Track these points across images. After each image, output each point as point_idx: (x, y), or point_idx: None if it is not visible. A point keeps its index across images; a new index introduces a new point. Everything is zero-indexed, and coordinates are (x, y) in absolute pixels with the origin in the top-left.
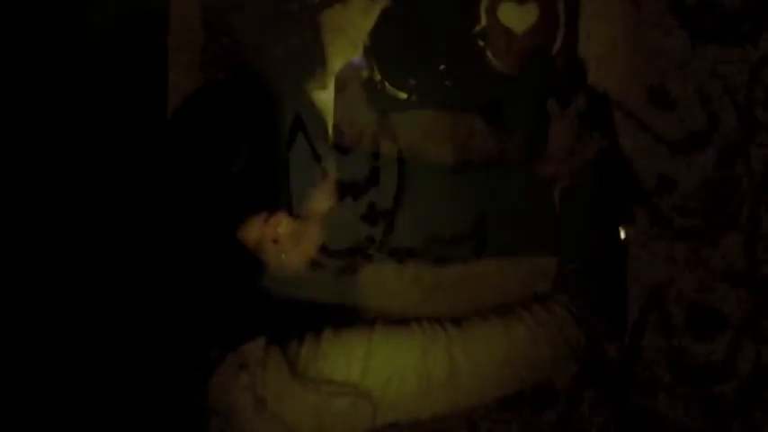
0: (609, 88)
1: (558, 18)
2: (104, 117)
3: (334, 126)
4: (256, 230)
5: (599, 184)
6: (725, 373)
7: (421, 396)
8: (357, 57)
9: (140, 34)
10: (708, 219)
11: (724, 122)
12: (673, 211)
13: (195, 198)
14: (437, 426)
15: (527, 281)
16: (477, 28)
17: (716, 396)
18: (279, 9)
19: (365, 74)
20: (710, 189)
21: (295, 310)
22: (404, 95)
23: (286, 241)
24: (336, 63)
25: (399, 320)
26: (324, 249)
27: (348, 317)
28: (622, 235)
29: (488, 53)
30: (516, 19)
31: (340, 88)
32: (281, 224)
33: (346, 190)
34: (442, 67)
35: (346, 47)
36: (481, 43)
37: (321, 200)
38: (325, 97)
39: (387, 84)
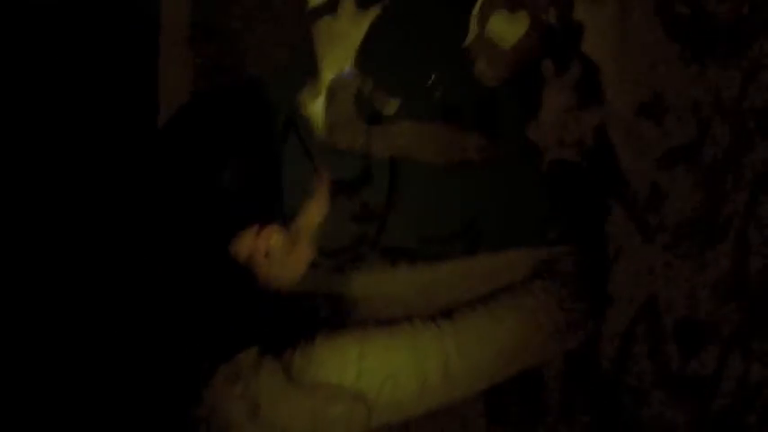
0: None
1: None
2: (94, 123)
3: (326, 136)
4: (248, 243)
5: (588, 162)
6: (714, 386)
7: (416, 395)
8: (348, 68)
9: (131, 39)
10: (697, 232)
11: (714, 135)
12: (662, 223)
13: (187, 209)
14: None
15: (520, 275)
16: (468, 39)
17: (706, 408)
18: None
19: (356, 84)
20: (700, 202)
21: (287, 314)
22: (394, 106)
23: (277, 254)
24: (328, 74)
25: (391, 320)
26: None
27: (341, 319)
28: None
29: (478, 64)
30: (507, 30)
31: (331, 99)
32: (273, 237)
33: (339, 189)
34: (432, 77)
35: (337, 58)
36: (471, 54)
37: (316, 213)
38: (316, 108)
39: (377, 94)
